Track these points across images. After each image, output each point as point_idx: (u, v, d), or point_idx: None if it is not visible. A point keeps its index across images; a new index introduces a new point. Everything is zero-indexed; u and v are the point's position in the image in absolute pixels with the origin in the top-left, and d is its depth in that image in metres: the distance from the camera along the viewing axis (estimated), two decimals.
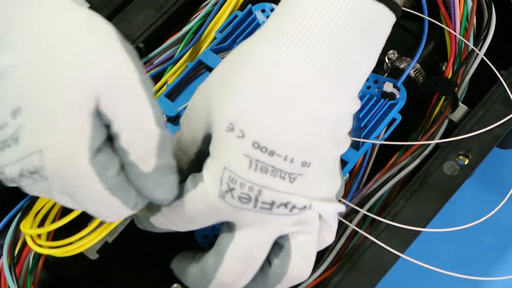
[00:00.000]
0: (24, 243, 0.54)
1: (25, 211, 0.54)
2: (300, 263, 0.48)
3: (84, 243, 0.52)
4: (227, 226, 0.48)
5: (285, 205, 0.46)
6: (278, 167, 0.45)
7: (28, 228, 0.53)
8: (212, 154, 0.47)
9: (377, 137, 0.58)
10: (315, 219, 0.47)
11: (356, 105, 0.48)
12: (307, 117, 0.45)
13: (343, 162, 0.57)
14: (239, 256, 0.47)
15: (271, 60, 0.46)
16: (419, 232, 0.54)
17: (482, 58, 0.61)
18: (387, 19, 0.49)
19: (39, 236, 0.53)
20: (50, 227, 0.52)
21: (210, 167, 0.46)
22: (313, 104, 0.45)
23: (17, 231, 0.54)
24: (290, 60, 0.45)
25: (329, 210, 0.48)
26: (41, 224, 0.54)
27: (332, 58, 0.46)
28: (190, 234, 0.54)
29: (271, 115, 0.45)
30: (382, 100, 0.59)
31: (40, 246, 0.52)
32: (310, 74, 0.45)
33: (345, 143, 0.49)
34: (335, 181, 0.49)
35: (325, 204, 0.47)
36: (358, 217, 0.57)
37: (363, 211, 0.56)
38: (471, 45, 0.62)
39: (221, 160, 0.46)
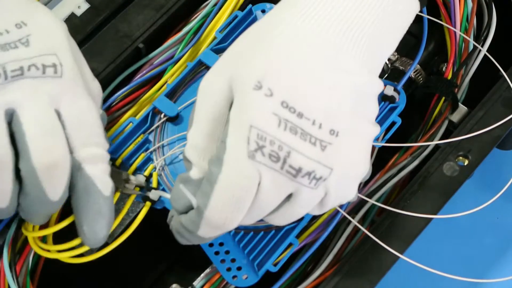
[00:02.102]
0: (25, 242, 0.54)
1: None
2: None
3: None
4: None
5: (309, 174, 0.44)
6: (307, 131, 0.44)
7: (30, 230, 0.53)
8: (234, 116, 0.45)
9: (377, 140, 0.58)
10: (321, 194, 0.46)
11: (380, 86, 0.48)
12: (334, 85, 0.45)
13: None
14: (251, 210, 0.46)
15: (301, 26, 0.46)
16: (418, 232, 0.54)
17: (483, 59, 0.61)
18: (413, 8, 0.50)
19: (40, 238, 0.53)
20: (52, 228, 0.52)
21: (233, 130, 0.44)
22: (340, 74, 0.46)
23: (18, 230, 0.54)
24: (320, 30, 0.46)
25: (339, 193, 0.47)
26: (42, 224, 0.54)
27: (359, 33, 0.46)
28: None
29: (300, 77, 0.45)
30: (382, 103, 0.59)
31: (47, 251, 0.52)
32: (338, 45, 0.46)
33: (375, 125, 0.48)
34: (364, 163, 0.47)
35: (343, 186, 0.46)
36: (360, 215, 0.57)
37: (372, 201, 0.56)
38: (472, 41, 0.62)
39: (247, 119, 0.44)
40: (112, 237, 0.55)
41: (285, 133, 0.44)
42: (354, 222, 0.55)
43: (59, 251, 0.52)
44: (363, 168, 0.48)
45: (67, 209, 0.55)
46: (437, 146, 0.58)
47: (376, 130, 0.48)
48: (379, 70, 0.49)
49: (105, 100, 0.59)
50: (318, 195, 0.46)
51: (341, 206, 0.56)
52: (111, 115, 0.59)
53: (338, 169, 0.46)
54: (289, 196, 0.46)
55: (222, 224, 0.45)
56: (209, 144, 0.47)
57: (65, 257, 0.53)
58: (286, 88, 0.44)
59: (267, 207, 0.46)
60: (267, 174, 0.44)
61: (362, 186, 0.58)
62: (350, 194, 0.48)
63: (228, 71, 0.46)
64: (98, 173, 0.49)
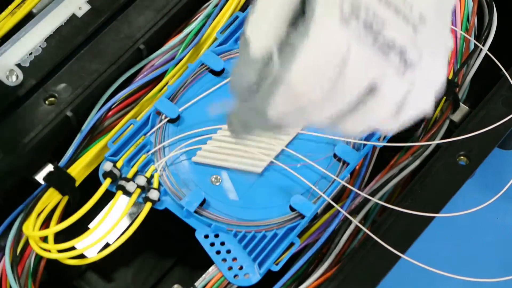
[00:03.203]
0: (26, 244, 0.54)
1: (28, 212, 0.54)
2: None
3: (88, 245, 0.52)
4: None
5: (401, 52, 0.41)
6: (400, 8, 0.41)
7: (30, 230, 0.53)
8: None
9: (378, 139, 0.58)
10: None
11: None
12: None
13: (344, 163, 0.57)
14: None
15: None
16: (420, 232, 0.54)
17: (484, 58, 0.62)
18: None
19: (42, 239, 0.53)
20: (53, 229, 0.52)
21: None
22: None
23: (20, 231, 0.54)
24: None
25: (424, 99, 0.43)
26: (43, 224, 0.54)
27: None
28: (191, 235, 0.55)
29: None
30: None
31: (47, 251, 0.52)
32: None
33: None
34: (445, 64, 0.44)
35: (431, 75, 0.43)
36: (361, 215, 0.57)
37: (374, 199, 0.56)
38: (473, 40, 0.62)
39: None
40: (114, 238, 0.55)
41: (380, 4, 0.41)
42: (356, 222, 0.55)
43: (60, 251, 0.52)
44: (444, 68, 0.44)
45: (67, 210, 0.56)
46: (438, 146, 0.58)
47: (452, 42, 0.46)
48: None
49: (105, 102, 0.59)
50: (403, 88, 0.42)
51: (342, 206, 0.56)
52: (112, 116, 0.59)
53: (425, 55, 0.42)
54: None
55: (303, 94, 0.41)
56: (278, 25, 0.42)
57: (64, 257, 0.53)
58: None
59: (351, 87, 0.41)
60: (359, 45, 0.40)
61: (364, 186, 0.59)
62: (427, 103, 0.44)
63: None
64: None
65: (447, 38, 0.44)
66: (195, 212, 0.55)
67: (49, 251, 0.53)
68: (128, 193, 0.55)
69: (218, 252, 0.54)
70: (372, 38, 0.41)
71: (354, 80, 0.41)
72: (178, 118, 0.59)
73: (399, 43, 0.41)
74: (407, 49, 0.41)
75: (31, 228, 0.53)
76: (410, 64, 0.42)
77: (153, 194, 0.55)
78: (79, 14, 0.63)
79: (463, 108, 0.61)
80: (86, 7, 0.63)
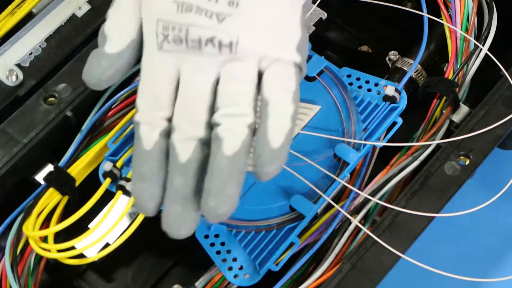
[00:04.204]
0: (26, 244, 0.54)
1: (28, 212, 0.54)
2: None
3: (88, 245, 0.52)
4: None
5: (211, 40, 0.47)
6: (202, 7, 0.47)
7: (30, 230, 0.53)
8: (143, 13, 0.49)
9: (377, 139, 0.58)
10: (251, 63, 0.48)
11: None
12: None
13: (344, 163, 0.57)
14: (181, 102, 0.48)
15: None
16: (420, 232, 0.54)
17: (484, 58, 0.62)
18: None
19: (42, 238, 0.53)
20: (53, 229, 0.52)
21: (145, 28, 0.49)
22: None
23: (20, 231, 0.54)
24: None
25: (270, 51, 0.48)
26: (43, 224, 0.54)
27: None
28: (191, 235, 0.54)
29: None
30: (383, 103, 0.59)
31: (47, 250, 0.52)
32: None
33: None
34: (285, 28, 0.48)
35: (263, 44, 0.48)
36: (361, 215, 0.57)
37: (375, 199, 0.56)
38: (473, 40, 0.62)
39: (153, 14, 0.48)
40: (113, 238, 0.55)
41: (182, 15, 0.47)
42: (355, 222, 0.55)
43: (59, 251, 0.52)
44: (280, 22, 0.48)
45: (67, 210, 0.56)
46: (438, 146, 0.58)
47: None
48: None
49: (106, 102, 0.59)
50: (244, 64, 0.48)
51: (342, 206, 0.56)
52: (112, 116, 0.59)
53: (247, 32, 0.47)
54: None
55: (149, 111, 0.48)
56: (129, 23, 0.49)
57: (64, 257, 0.53)
58: None
59: (198, 93, 0.47)
60: (181, 60, 0.48)
61: (364, 186, 0.59)
62: (282, 50, 0.48)
63: None
64: None
65: None
66: None
67: (49, 250, 0.53)
68: (128, 193, 0.55)
69: (218, 252, 0.54)
70: (184, 46, 0.47)
71: (194, 85, 0.48)
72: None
73: (205, 36, 0.47)
74: (215, 36, 0.47)
75: (31, 228, 0.53)
76: (231, 44, 0.47)
77: None
78: (79, 14, 0.63)
79: (463, 108, 0.61)
80: (86, 7, 0.63)
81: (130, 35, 0.49)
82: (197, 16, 0.47)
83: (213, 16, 0.47)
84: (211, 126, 0.47)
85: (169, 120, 0.48)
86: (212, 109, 0.47)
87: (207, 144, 0.47)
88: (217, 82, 0.48)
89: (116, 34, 0.49)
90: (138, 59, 0.50)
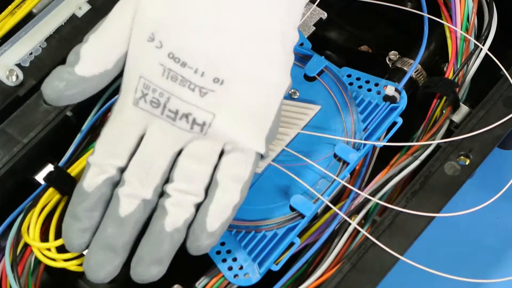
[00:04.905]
0: (26, 244, 0.54)
1: (28, 212, 0.54)
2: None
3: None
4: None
5: (187, 116, 0.48)
6: (187, 78, 0.48)
7: (32, 238, 0.53)
8: (128, 67, 0.50)
9: (378, 139, 0.58)
10: (216, 145, 0.49)
11: (287, 25, 0.50)
12: (220, 31, 0.48)
13: (344, 163, 0.57)
14: (139, 159, 0.49)
15: None
16: (420, 232, 0.54)
17: (484, 58, 0.62)
18: None
19: (41, 238, 0.53)
20: (55, 243, 0.53)
21: (125, 80, 0.50)
22: (234, 18, 0.48)
23: (20, 231, 0.54)
24: None
25: (239, 139, 0.49)
26: (43, 224, 0.54)
27: None
28: None
29: (187, 29, 0.48)
30: (383, 103, 0.59)
31: (53, 260, 0.53)
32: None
33: (277, 66, 0.50)
34: (260, 116, 0.50)
35: (235, 130, 0.49)
36: (361, 215, 0.57)
37: (375, 199, 0.56)
38: (473, 40, 0.62)
39: (137, 70, 0.49)
40: None
41: (167, 81, 0.48)
42: (354, 224, 0.55)
43: (65, 260, 0.53)
44: (259, 122, 0.50)
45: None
46: (438, 146, 0.58)
47: (277, 71, 0.50)
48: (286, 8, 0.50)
49: (106, 102, 0.59)
50: (210, 144, 0.49)
51: (340, 208, 0.56)
52: None
53: (224, 113, 0.49)
54: None
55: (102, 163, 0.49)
56: (109, 54, 0.50)
57: (72, 265, 0.53)
58: (174, 40, 0.48)
59: (158, 158, 0.49)
60: (152, 121, 0.49)
61: (364, 186, 0.59)
62: (249, 139, 0.50)
63: (133, 7, 0.50)
64: None
65: (260, 73, 0.49)
66: None
67: (54, 259, 0.53)
68: None
69: (218, 252, 0.54)
70: (160, 110, 0.49)
71: (155, 147, 0.49)
72: None
73: (182, 110, 0.48)
74: (192, 112, 0.48)
75: (32, 234, 0.53)
76: (204, 124, 0.49)
77: None
78: (79, 14, 0.63)
79: (463, 108, 0.61)
80: (86, 7, 0.63)
81: (106, 65, 0.50)
82: (180, 87, 0.48)
83: (196, 89, 0.48)
84: (159, 192, 0.49)
85: (121, 171, 0.49)
86: (166, 176, 0.49)
87: (150, 207, 0.49)
88: (179, 152, 0.49)
89: (91, 59, 0.50)
90: (106, 87, 0.51)
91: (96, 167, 0.49)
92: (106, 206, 0.49)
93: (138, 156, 0.49)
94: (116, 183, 0.49)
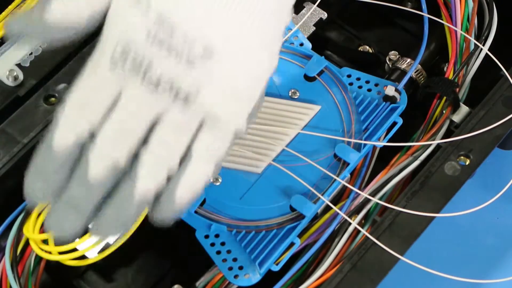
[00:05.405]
0: (26, 244, 0.54)
1: (28, 212, 0.54)
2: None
3: (89, 246, 0.52)
4: None
5: (171, 87, 0.44)
6: (174, 46, 0.44)
7: (31, 232, 0.53)
8: (107, 26, 0.45)
9: (378, 139, 0.58)
10: (196, 118, 0.45)
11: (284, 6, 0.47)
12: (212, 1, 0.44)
13: (344, 163, 0.57)
14: (113, 121, 0.45)
15: None
16: (420, 232, 0.54)
17: (484, 58, 0.62)
18: None
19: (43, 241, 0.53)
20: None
21: (104, 39, 0.45)
22: None
23: (20, 231, 0.54)
24: None
25: (220, 115, 0.45)
26: (43, 224, 0.54)
27: None
28: (191, 236, 0.55)
29: None
30: (383, 103, 0.59)
31: (48, 252, 0.52)
32: None
33: (267, 48, 0.47)
34: (245, 95, 0.46)
35: (218, 106, 0.45)
36: (361, 215, 0.57)
37: (375, 199, 0.56)
38: (473, 40, 0.62)
39: (117, 32, 0.44)
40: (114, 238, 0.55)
41: (151, 47, 0.44)
42: (354, 224, 0.55)
43: (61, 253, 0.52)
44: (244, 89, 0.46)
45: None
46: (438, 146, 0.58)
47: (268, 52, 0.47)
48: None
49: None
50: (189, 116, 0.45)
51: (341, 208, 0.56)
52: None
53: (210, 88, 0.45)
54: None
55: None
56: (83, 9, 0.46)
57: (66, 259, 0.52)
58: (164, 1, 0.44)
59: (135, 124, 0.45)
60: (129, 85, 0.44)
61: (364, 186, 0.59)
62: (231, 117, 0.46)
63: None
64: None
65: (249, 50, 0.46)
66: (195, 212, 0.55)
67: (50, 252, 0.53)
68: None
69: (218, 252, 0.54)
70: (140, 77, 0.44)
71: (130, 116, 0.45)
72: None
73: (164, 79, 0.44)
74: (175, 82, 0.44)
75: (31, 230, 0.53)
76: (187, 97, 0.44)
77: None
78: None
79: (463, 108, 0.61)
80: None
81: (78, 17, 0.46)
82: (165, 55, 0.44)
83: (183, 60, 0.44)
84: (132, 157, 0.45)
85: (92, 132, 0.45)
86: (141, 143, 0.45)
87: (121, 171, 0.45)
88: (155, 121, 0.46)
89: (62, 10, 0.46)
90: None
91: (67, 123, 0.45)
92: (74, 166, 0.45)
93: (114, 118, 0.45)
94: (86, 144, 0.45)
